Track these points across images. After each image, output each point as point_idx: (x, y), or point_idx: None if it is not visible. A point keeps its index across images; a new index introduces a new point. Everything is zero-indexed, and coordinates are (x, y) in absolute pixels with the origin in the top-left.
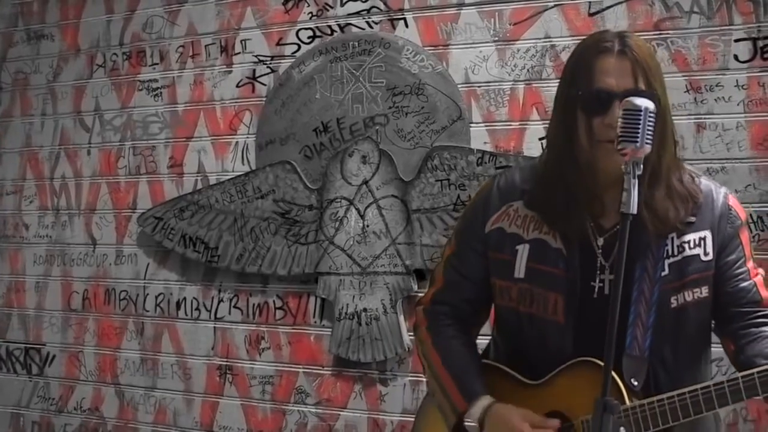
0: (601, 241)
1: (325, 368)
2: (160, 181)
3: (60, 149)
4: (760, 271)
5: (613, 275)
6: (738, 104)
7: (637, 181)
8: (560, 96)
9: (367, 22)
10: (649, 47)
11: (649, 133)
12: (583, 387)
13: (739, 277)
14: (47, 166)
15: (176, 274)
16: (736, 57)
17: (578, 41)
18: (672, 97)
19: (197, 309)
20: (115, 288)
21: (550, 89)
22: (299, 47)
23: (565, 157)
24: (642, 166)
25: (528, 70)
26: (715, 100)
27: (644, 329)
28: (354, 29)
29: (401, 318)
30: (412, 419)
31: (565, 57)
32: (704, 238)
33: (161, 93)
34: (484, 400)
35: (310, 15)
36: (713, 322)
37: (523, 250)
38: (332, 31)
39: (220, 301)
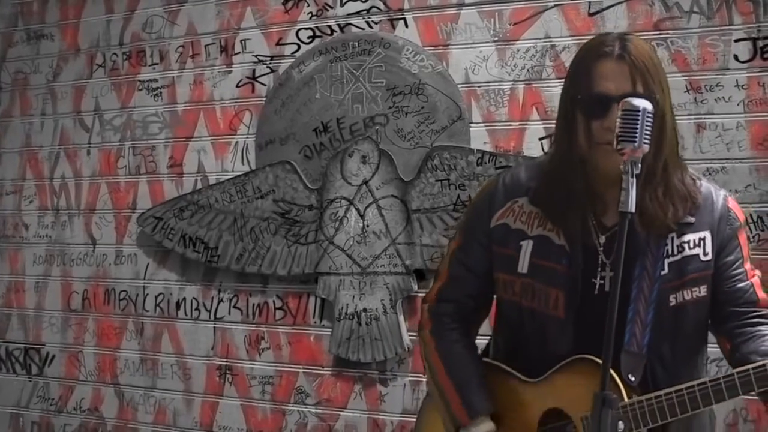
0: (602, 239)
1: (325, 368)
2: (160, 181)
3: (60, 149)
4: (757, 272)
5: (612, 272)
6: (738, 104)
7: (635, 180)
8: (562, 98)
9: (367, 22)
10: (650, 50)
11: (647, 133)
12: (582, 383)
13: (737, 277)
14: (47, 166)
15: (176, 274)
16: (736, 57)
17: (578, 41)
18: (672, 97)
19: (197, 309)
20: (114, 288)
21: (550, 89)
22: (299, 47)
23: (566, 157)
24: (640, 165)
25: (528, 70)
26: (715, 100)
27: (643, 326)
28: (354, 29)
29: (401, 318)
30: (412, 419)
31: (565, 57)
32: (704, 239)
33: (161, 93)
34: (487, 425)
35: (309, 15)
36: (710, 321)
37: (527, 246)
38: (332, 31)
39: (220, 301)
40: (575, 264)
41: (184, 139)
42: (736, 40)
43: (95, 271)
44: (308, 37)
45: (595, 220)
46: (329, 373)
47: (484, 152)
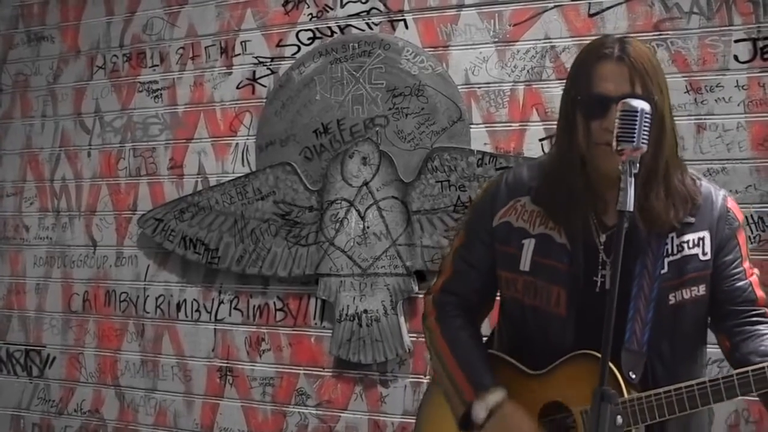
0: (603, 238)
1: (326, 370)
2: (161, 182)
3: (60, 151)
4: (756, 271)
5: (611, 270)
6: (738, 105)
7: (633, 179)
8: (563, 99)
9: (367, 24)
10: (649, 52)
11: (645, 133)
12: (583, 378)
13: (736, 276)
14: (47, 168)
15: (176, 276)
16: (736, 57)
17: (578, 42)
18: (672, 97)
19: (198, 310)
20: (115, 290)
21: (550, 90)
22: (299, 49)
23: (567, 157)
24: (638, 165)
25: (528, 71)
26: (716, 100)
27: (643, 324)
28: (354, 31)
29: (402, 319)
30: (413, 421)
31: (565, 58)
32: (703, 239)
33: (161, 94)
34: (498, 394)
35: (310, 16)
36: (710, 319)
37: (529, 244)
38: (332, 32)
39: (221, 302)
40: (576, 262)
41: (184, 141)
42: (736, 41)
43: (96, 272)
44: (308, 39)
45: (596, 219)
46: (330, 374)
47: (484, 153)
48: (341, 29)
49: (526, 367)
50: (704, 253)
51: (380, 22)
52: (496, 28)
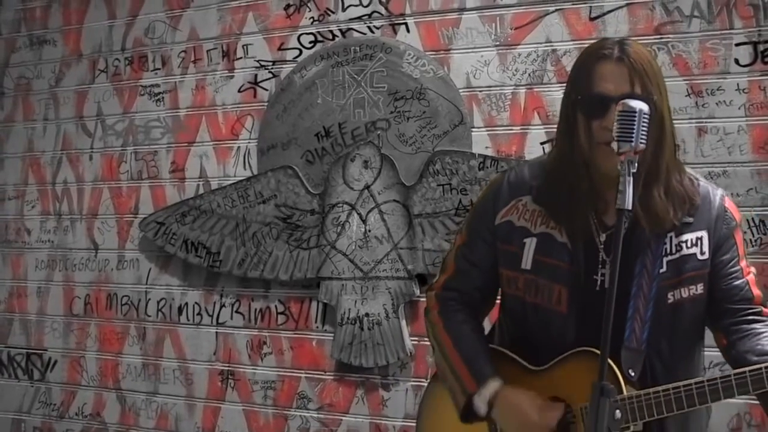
0: (603, 237)
1: (327, 373)
2: (162, 186)
3: (62, 154)
4: (753, 270)
5: (610, 268)
6: (739, 108)
7: (632, 178)
8: (564, 100)
9: (369, 27)
10: (648, 54)
11: (644, 133)
12: (583, 375)
13: (733, 275)
14: (49, 171)
15: (178, 279)
16: (736, 61)
17: (579, 46)
18: (673, 101)
19: (199, 314)
20: (116, 293)
21: (551, 93)
22: (301, 52)
23: (567, 158)
24: (637, 165)
25: (529, 74)
26: (716, 104)
27: (642, 323)
28: (355, 34)
29: (403, 323)
30: (415, 424)
31: (566, 61)
32: (701, 238)
33: (163, 98)
34: (495, 383)
35: (311, 20)
36: (707, 317)
37: (530, 243)
38: (334, 36)
39: (222, 306)
40: (577, 261)
41: (186, 144)
42: (737, 44)
43: (97, 276)
44: (310, 42)
45: (597, 219)
46: (331, 378)
47: (485, 157)
48: (343, 33)
49: (527, 363)
50: (702, 253)
51: (382, 25)
52: (498, 31)
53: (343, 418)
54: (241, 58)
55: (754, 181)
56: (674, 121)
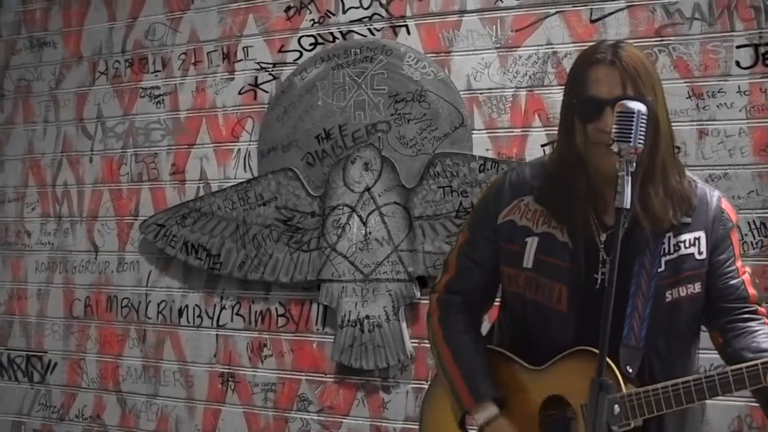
0: (603, 237)
1: (328, 375)
2: (162, 188)
3: (62, 156)
4: (748, 269)
5: (609, 266)
6: (740, 110)
7: (630, 178)
8: (562, 103)
9: (369, 29)
10: (642, 56)
11: (642, 133)
12: (582, 374)
13: (729, 275)
14: (49, 173)
15: (178, 282)
16: (737, 63)
17: (580, 48)
18: (674, 103)
19: (199, 316)
20: (117, 295)
21: (552, 96)
22: (301, 54)
23: (567, 159)
24: (635, 164)
25: (530, 76)
26: (717, 106)
27: (641, 321)
28: (356, 36)
29: (404, 325)
30: (415, 427)
31: (567, 64)
32: (699, 238)
33: (163, 100)
34: (491, 409)
35: (312, 22)
36: (704, 315)
37: (532, 242)
38: (334, 38)
39: (223, 308)
40: (577, 260)
41: (186, 146)
42: (738, 47)
43: (97, 278)
44: (310, 44)
45: (597, 219)
46: (332, 380)
47: (486, 159)
48: (343, 35)
49: (526, 362)
50: (700, 253)
51: (382, 27)
52: (498, 33)
53: (344, 420)
54: (241, 60)
55: (755, 183)
56: (675, 124)
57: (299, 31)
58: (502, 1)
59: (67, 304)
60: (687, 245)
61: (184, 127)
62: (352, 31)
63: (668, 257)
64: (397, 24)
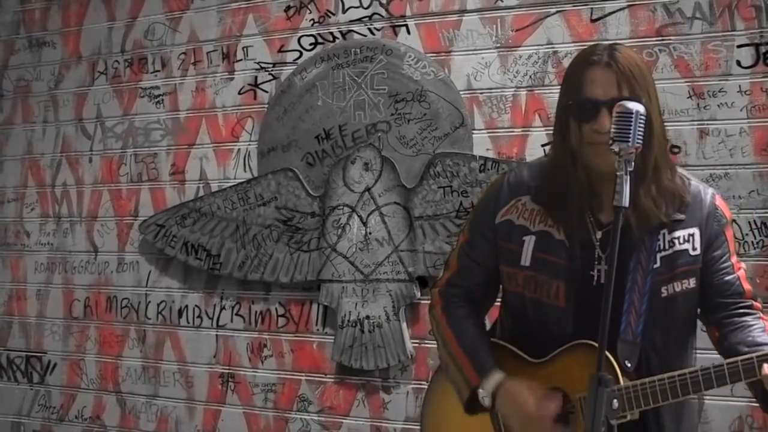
0: (599, 235)
1: (328, 376)
2: (162, 188)
3: (61, 156)
4: (743, 265)
5: (608, 265)
6: (741, 110)
7: (629, 177)
8: (558, 104)
9: (369, 29)
10: (637, 58)
11: (640, 133)
12: (581, 367)
13: (724, 270)
14: (49, 174)
15: (178, 282)
16: (738, 63)
17: (580, 47)
18: (675, 103)
19: (199, 317)
20: (116, 296)
21: (552, 95)
22: (301, 54)
23: (563, 159)
24: (633, 163)
25: (530, 76)
26: (718, 105)
27: (637, 316)
28: (356, 36)
29: (404, 325)
30: (416, 427)
31: (567, 63)
32: (693, 235)
33: (163, 100)
34: (497, 375)
35: (311, 22)
36: (699, 311)
37: (529, 241)
38: (334, 37)
39: (222, 308)
40: (574, 258)
41: (186, 147)
42: (739, 46)
43: (97, 278)
44: (310, 44)
45: (593, 217)
46: (332, 380)
47: (486, 159)
48: (343, 35)
49: (527, 356)
50: (694, 249)
51: (382, 27)
52: (499, 33)
53: (344, 420)
54: (241, 60)
55: (756, 183)
56: (676, 123)
57: (299, 31)
58: (502, 1)
59: (67, 305)
60: (681, 241)
61: (183, 127)
62: (352, 30)
63: (663, 253)
64: (397, 24)
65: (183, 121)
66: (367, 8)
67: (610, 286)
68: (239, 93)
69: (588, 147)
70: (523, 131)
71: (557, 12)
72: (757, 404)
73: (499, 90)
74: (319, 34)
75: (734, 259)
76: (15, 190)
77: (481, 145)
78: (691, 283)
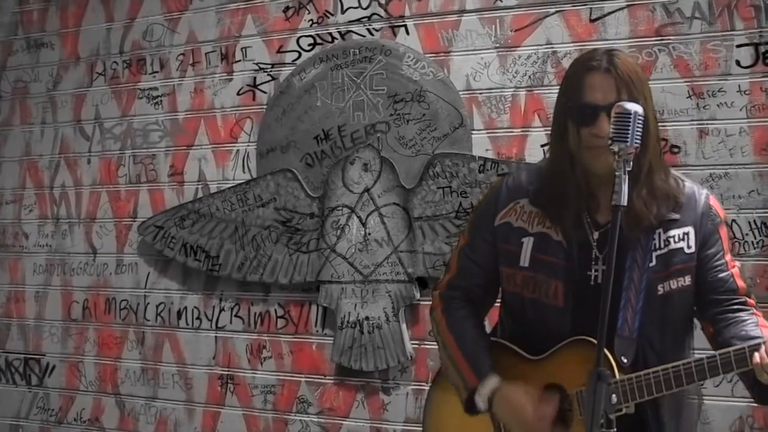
0: (596, 235)
1: (327, 377)
2: (161, 189)
3: (60, 158)
4: (737, 263)
5: (605, 265)
6: (740, 110)
7: (627, 177)
8: (556, 107)
9: (368, 30)
10: (635, 64)
11: (638, 133)
12: (579, 362)
13: (718, 268)
14: (47, 175)
15: (177, 283)
16: (738, 62)
17: (580, 48)
18: (674, 102)
19: (198, 318)
20: (115, 297)
21: (551, 96)
22: (300, 55)
23: (560, 161)
24: (631, 163)
25: (529, 76)
26: (718, 105)
27: (633, 313)
28: (355, 36)
29: (404, 326)
30: (415, 428)
31: (566, 63)
32: (687, 233)
33: (161, 101)
34: (493, 381)
35: (310, 22)
36: (695, 308)
37: (528, 242)
38: (333, 38)
39: (222, 310)
40: (572, 258)
41: (184, 148)
42: (738, 46)
43: (96, 280)
44: (309, 45)
45: (590, 218)
46: (331, 382)
47: (486, 159)
48: (342, 35)
49: (526, 353)
50: (689, 247)
51: (381, 27)
52: (498, 33)
53: (344, 422)
54: (239, 60)
55: (756, 183)
56: (676, 123)
57: (298, 32)
58: (502, 1)
59: (66, 307)
60: (676, 240)
61: (182, 128)
62: (351, 31)
63: (659, 252)
64: (396, 24)
65: (182, 122)
66: (366, 9)
67: (608, 284)
68: (238, 94)
69: (587, 150)
70: (522, 131)
71: (556, 12)
72: (757, 404)
73: (498, 90)
74: (317, 34)
75: (728, 257)
76: (13, 192)
77: (481, 145)
78: (687, 280)
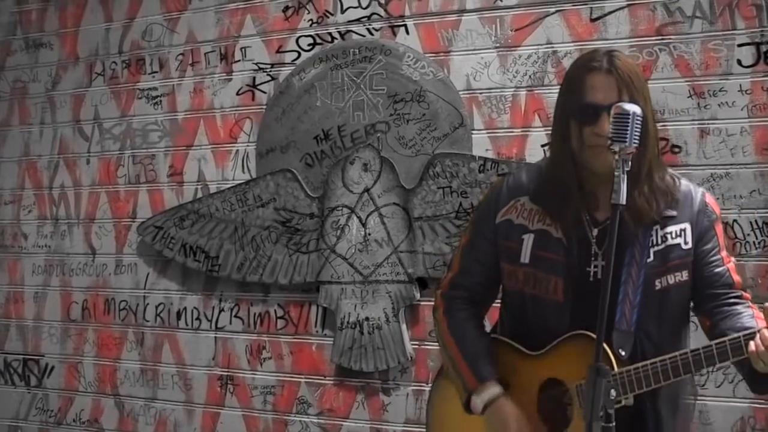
0: (595, 232)
1: (327, 378)
2: (160, 189)
3: (59, 158)
4: (732, 258)
5: (604, 262)
6: (742, 109)
7: (626, 176)
8: (557, 107)
9: (368, 29)
10: (634, 65)
11: (637, 133)
12: (578, 356)
13: (715, 263)
14: (46, 176)
15: (176, 284)
16: (739, 62)
17: (580, 47)
18: (675, 102)
19: (198, 319)
20: (114, 298)
21: (552, 95)
22: (299, 55)
23: (561, 159)
24: (630, 163)
25: (530, 76)
26: (719, 105)
27: (631, 307)
28: (354, 36)
29: (404, 327)
30: (415, 429)
31: (567, 63)
32: (684, 230)
33: (161, 101)
34: (493, 389)
35: (310, 22)
36: (692, 302)
37: (528, 239)
38: (332, 38)
39: (221, 310)
40: (571, 254)
41: (184, 148)
42: (740, 45)
43: (95, 280)
44: (308, 45)
45: (589, 216)
46: (331, 382)
47: (486, 159)
48: (342, 35)
49: (526, 349)
50: (686, 243)
51: (381, 27)
52: (498, 33)
53: (344, 423)
54: (239, 60)
55: (757, 182)
56: (676, 123)
57: (297, 32)
58: (502, 1)
59: (65, 307)
60: (674, 236)
61: (181, 128)
62: (351, 31)
63: (656, 248)
64: (395, 24)
65: (181, 122)
66: (365, 8)
67: (608, 279)
68: (237, 94)
69: (588, 149)
70: (522, 131)
71: (557, 11)
72: (759, 405)
73: (498, 90)
74: (317, 34)
75: (724, 252)
76: (12, 192)
77: (481, 145)
78: (684, 275)
